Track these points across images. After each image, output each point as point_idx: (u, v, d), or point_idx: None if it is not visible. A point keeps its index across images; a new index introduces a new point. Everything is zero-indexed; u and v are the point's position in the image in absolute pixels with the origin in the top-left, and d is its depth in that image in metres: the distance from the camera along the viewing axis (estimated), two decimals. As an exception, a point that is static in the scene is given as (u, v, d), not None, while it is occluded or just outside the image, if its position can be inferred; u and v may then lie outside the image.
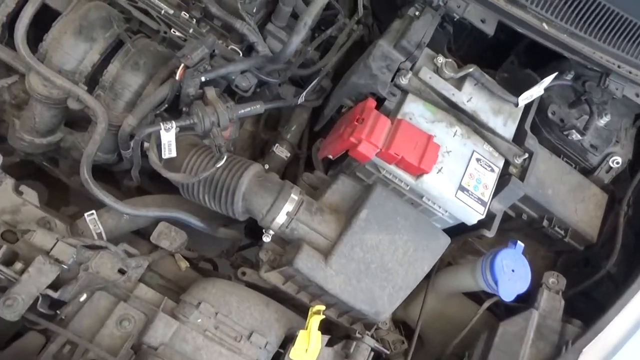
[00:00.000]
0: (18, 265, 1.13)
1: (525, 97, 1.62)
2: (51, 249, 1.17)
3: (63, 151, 1.51)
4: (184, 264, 1.51)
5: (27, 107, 1.38)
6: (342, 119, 1.59)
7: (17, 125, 1.41)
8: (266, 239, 1.40)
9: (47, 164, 1.68)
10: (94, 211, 1.36)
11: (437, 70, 1.62)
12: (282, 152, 1.71)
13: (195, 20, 1.50)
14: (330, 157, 1.59)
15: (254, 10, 1.55)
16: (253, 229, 1.79)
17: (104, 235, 1.37)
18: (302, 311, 1.41)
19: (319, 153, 1.64)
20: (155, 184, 1.70)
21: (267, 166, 1.70)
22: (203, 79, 1.33)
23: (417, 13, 1.61)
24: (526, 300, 1.58)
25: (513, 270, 1.45)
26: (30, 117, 1.37)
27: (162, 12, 1.46)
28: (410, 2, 1.70)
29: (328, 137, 1.64)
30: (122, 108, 1.37)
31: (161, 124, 1.28)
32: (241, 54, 1.56)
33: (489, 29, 1.46)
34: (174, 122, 1.29)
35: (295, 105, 1.71)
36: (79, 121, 1.51)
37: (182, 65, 1.28)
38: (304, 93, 1.61)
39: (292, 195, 1.37)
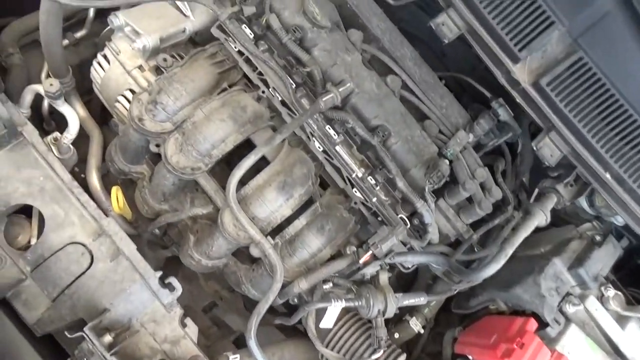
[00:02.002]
0: (168, 410, 1.15)
1: (695, 360, 1.49)
2: (202, 402, 1.18)
3: (221, 272, 1.56)
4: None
5: (207, 233, 1.45)
6: (493, 323, 1.54)
7: (191, 243, 1.48)
8: None
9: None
10: (237, 356, 1.38)
11: (602, 299, 1.55)
12: (416, 325, 1.67)
13: (378, 186, 1.53)
14: (469, 358, 1.53)
15: (433, 189, 1.56)
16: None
17: (239, 379, 1.38)
18: None
19: (457, 346, 1.59)
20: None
21: (397, 335, 1.67)
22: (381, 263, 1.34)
23: (597, 237, 1.56)
24: None
25: None
26: (208, 244, 1.43)
27: (353, 175, 1.50)
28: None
29: (471, 333, 1.59)
30: (295, 265, 1.40)
31: (332, 301, 1.29)
32: (409, 224, 1.57)
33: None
34: (343, 300, 1.30)
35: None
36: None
37: (370, 252, 1.29)
38: (464, 284, 1.58)
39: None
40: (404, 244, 1.44)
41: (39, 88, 1.40)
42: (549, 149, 1.29)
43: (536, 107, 1.27)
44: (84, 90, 1.89)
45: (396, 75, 1.65)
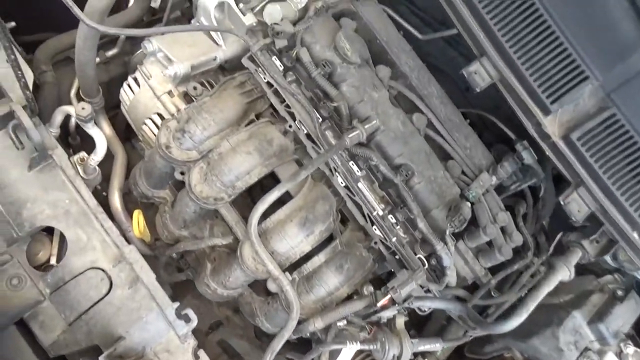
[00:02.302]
0: None
1: None
2: None
3: (234, 302, 1.56)
4: None
5: (225, 263, 1.45)
6: (507, 371, 1.52)
7: (208, 271, 1.48)
8: None
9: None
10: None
11: (621, 355, 1.51)
12: (428, 368, 1.65)
13: (398, 225, 1.52)
14: (482, 406, 1.51)
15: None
16: None
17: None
18: None
19: (470, 393, 1.56)
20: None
21: (408, 376, 1.64)
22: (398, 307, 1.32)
23: (619, 292, 1.53)
24: None
25: None
26: (225, 274, 1.43)
27: (374, 213, 1.49)
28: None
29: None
30: (312, 302, 1.39)
31: (347, 342, 1.28)
32: (427, 264, 1.55)
33: None
34: (358, 343, 1.29)
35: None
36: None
37: (389, 296, 1.28)
38: (481, 331, 1.55)
39: None
40: (421, 287, 1.42)
41: (71, 110, 1.42)
42: (577, 205, 1.28)
43: (565, 162, 1.26)
44: (110, 106, 1.92)
45: (422, 114, 1.65)
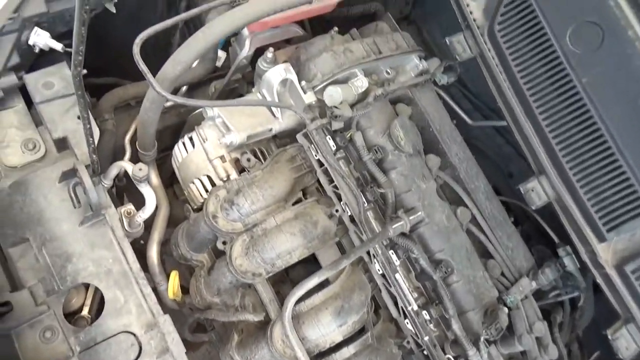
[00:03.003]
0: None
1: None
2: None
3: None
4: None
5: (253, 338, 1.43)
6: None
7: (234, 343, 1.46)
8: None
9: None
10: None
11: None
12: None
13: (432, 321, 1.48)
14: None
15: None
16: None
17: None
18: None
19: None
20: None
21: None
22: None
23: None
24: None
25: None
26: (251, 350, 1.42)
27: (409, 307, 1.47)
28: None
29: None
30: (335, 394, 1.36)
31: None
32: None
33: None
34: None
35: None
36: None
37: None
38: None
39: None
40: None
41: (127, 167, 1.46)
42: (625, 342, 1.23)
43: (617, 294, 1.22)
44: (159, 150, 1.97)
45: (467, 208, 1.64)
